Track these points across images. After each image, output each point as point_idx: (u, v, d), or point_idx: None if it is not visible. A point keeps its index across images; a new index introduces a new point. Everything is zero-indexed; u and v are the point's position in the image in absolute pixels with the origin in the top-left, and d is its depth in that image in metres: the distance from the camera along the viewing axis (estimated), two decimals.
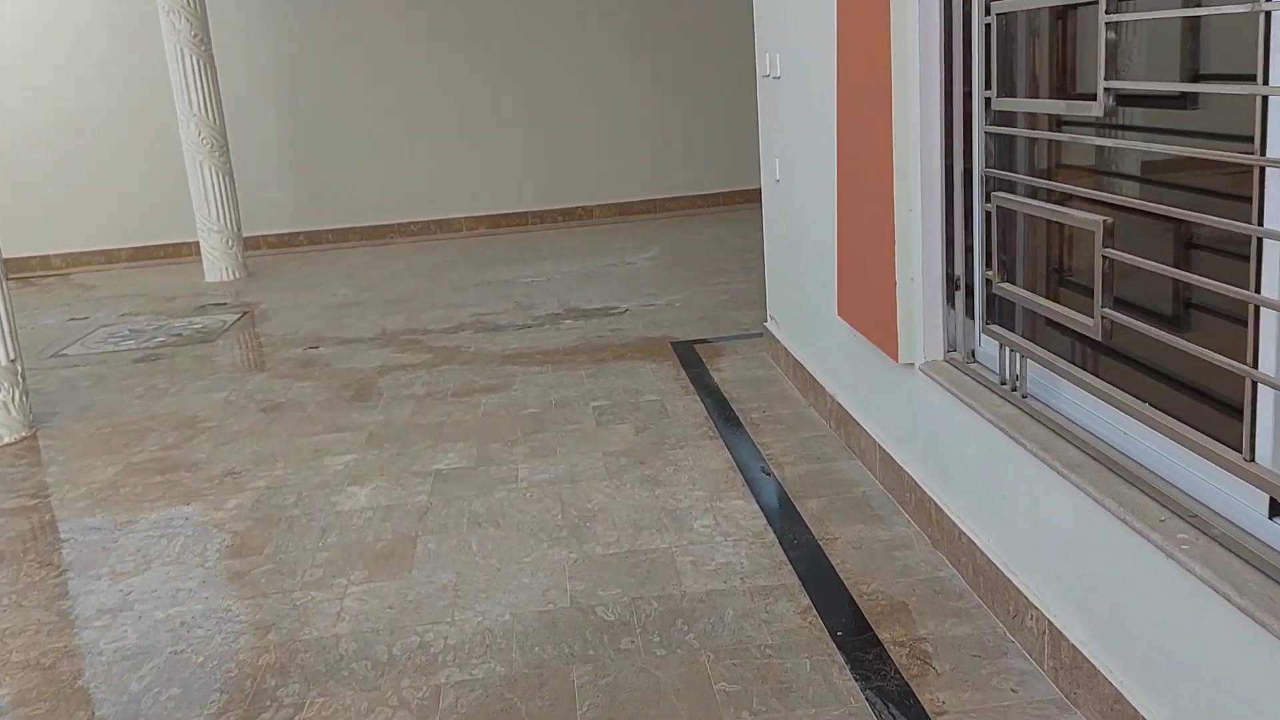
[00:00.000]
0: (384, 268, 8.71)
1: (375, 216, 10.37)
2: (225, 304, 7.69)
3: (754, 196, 11.99)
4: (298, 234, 10.31)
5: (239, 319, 7.12)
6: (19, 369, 4.78)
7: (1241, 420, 1.88)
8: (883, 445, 3.51)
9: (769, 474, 3.71)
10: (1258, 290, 1.85)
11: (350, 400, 5.05)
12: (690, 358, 5.32)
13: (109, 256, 10.16)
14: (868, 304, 3.43)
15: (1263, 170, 1.81)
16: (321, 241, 10.31)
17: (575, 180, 10.50)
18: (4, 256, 10.43)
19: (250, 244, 10.13)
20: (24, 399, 4.81)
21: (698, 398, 4.67)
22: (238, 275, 8.70)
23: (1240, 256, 1.88)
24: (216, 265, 8.66)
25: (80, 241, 10.12)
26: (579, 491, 3.70)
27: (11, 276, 9.74)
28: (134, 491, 4.05)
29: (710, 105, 10.50)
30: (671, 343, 5.63)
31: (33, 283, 9.37)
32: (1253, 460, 1.87)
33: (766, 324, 5.26)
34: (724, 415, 4.41)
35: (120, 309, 7.80)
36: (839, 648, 2.61)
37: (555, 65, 10.32)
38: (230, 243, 8.64)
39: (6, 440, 4.72)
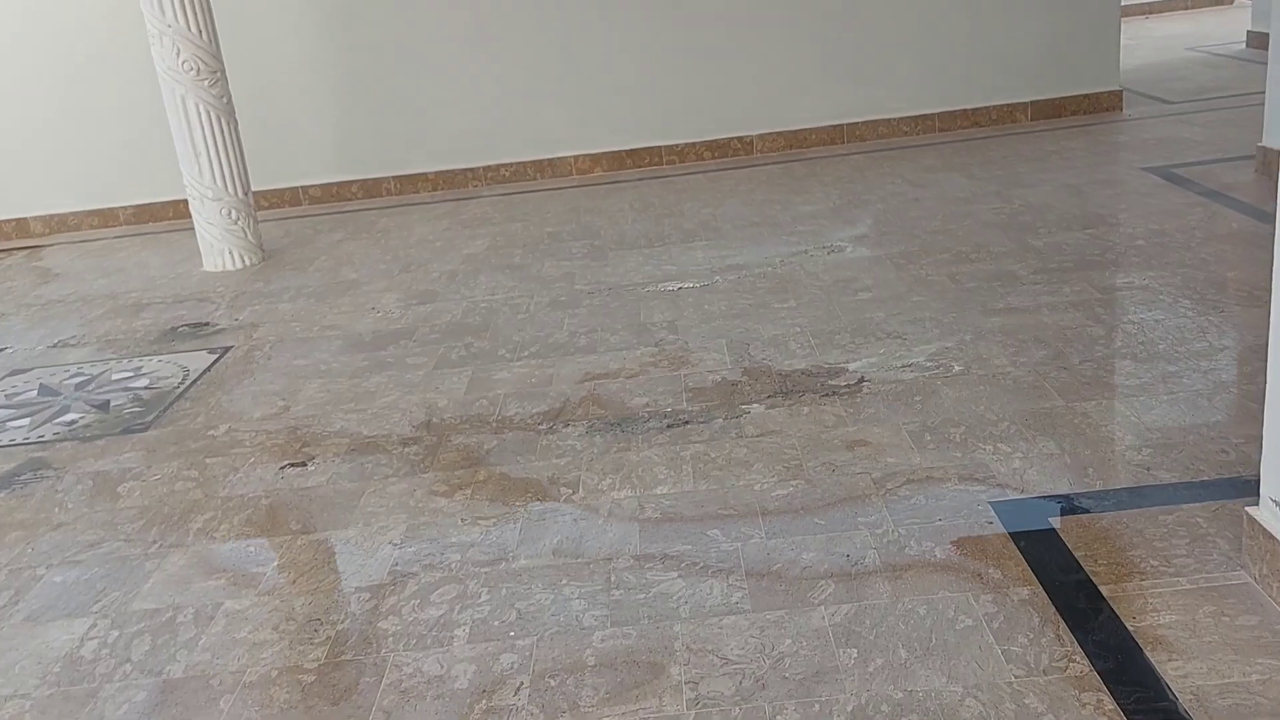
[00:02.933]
0: (455, 249, 5.89)
1: (453, 158, 7.52)
2: (206, 326, 5.00)
3: (985, 119, 8.13)
4: (349, 184, 7.56)
5: (211, 367, 4.41)
6: None
7: None
8: None
9: None
10: None
11: (309, 700, 2.28)
12: (1067, 582, 2.36)
13: (105, 218, 7.61)
14: None
15: None
16: (380, 193, 7.55)
17: (727, 101, 7.41)
18: None
19: (286, 200, 7.47)
20: None
21: None
22: (247, 262, 6.01)
23: None
24: (215, 249, 5.96)
25: (66, 200, 7.57)
26: None
27: None
28: None
29: None
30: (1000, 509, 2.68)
31: None
32: None
33: (1258, 512, 2.26)
34: None
35: (62, 329, 5.19)
36: None
37: None
38: (235, 215, 5.92)
39: None
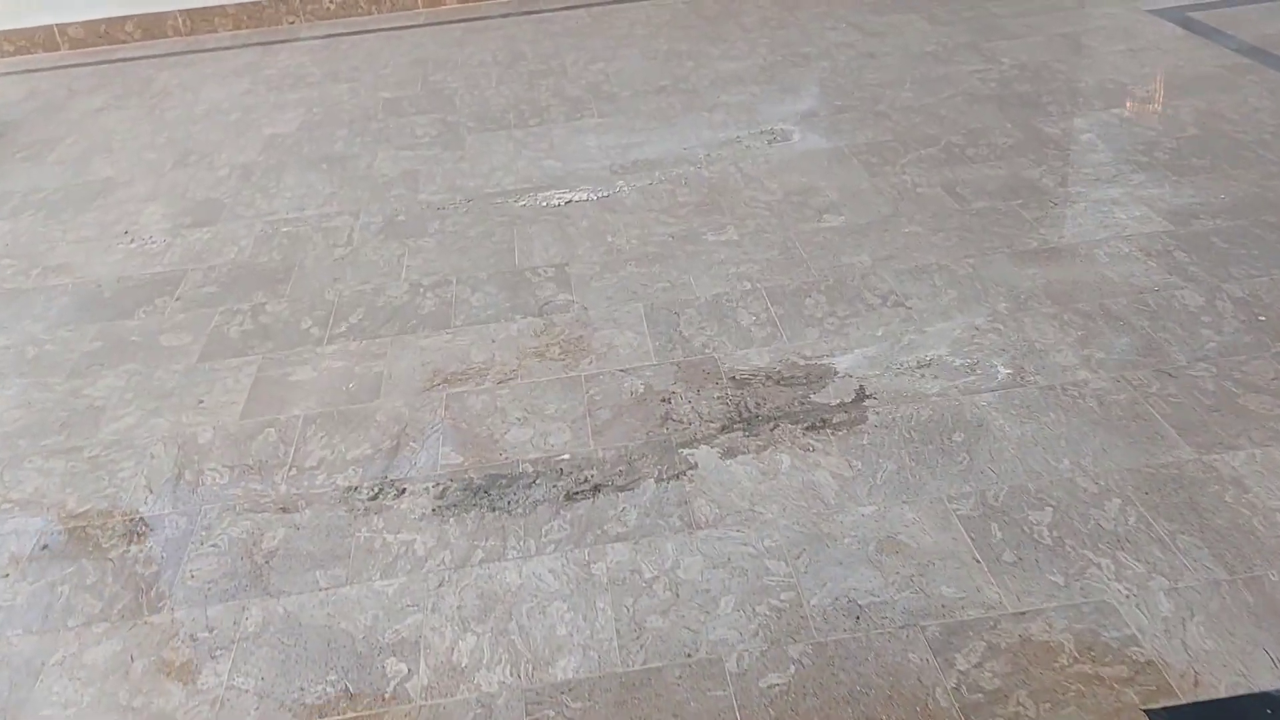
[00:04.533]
0: (255, 126, 4.31)
1: None
2: None
3: None
4: (123, 22, 5.75)
5: None
6: None
7: None
8: None
9: None
10: None
11: None
12: None
13: None
14: None
15: None
16: (165, 33, 5.77)
17: None
18: None
19: (38, 43, 5.67)
20: None
21: None
22: None
23: None
24: None
25: None
26: None
27: None
28: None
29: None
30: None
31: None
32: None
33: None
34: None
35: None
36: None
37: None
38: None
39: None
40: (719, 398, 2.31)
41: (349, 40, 5.40)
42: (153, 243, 3.36)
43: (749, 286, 2.74)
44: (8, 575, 2.01)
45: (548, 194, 3.40)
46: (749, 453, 2.12)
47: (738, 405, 2.27)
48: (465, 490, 2.11)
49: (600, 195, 3.36)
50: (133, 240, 3.39)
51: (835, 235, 2.96)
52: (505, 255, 3.04)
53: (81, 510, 2.17)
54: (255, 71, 5.04)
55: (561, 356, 2.53)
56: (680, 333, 2.57)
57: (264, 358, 2.65)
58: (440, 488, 2.12)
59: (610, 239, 3.07)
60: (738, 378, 2.37)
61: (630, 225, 3.14)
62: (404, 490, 2.13)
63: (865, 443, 2.12)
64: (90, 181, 3.91)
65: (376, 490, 2.14)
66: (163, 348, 2.74)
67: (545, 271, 2.93)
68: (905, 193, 3.16)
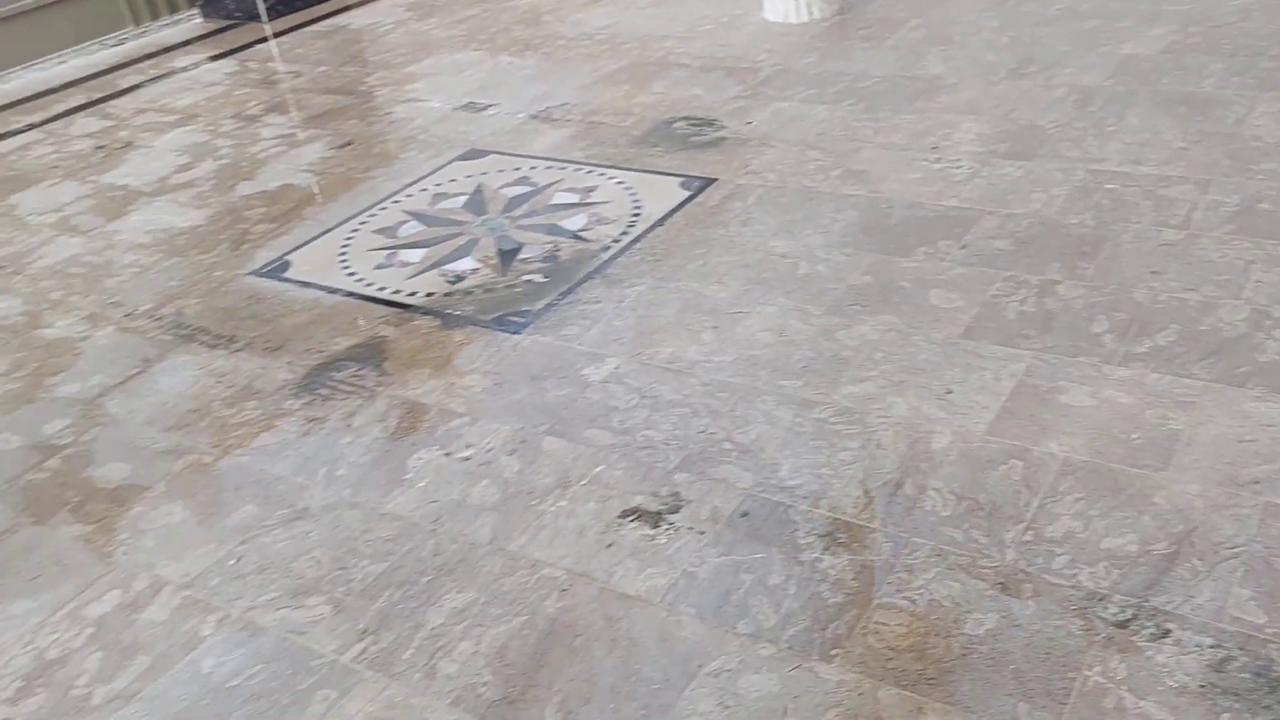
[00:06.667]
0: (1112, 36, 3.66)
1: None
2: (709, 127, 3.52)
3: None
4: None
5: (664, 219, 3.00)
6: None
7: None
8: None
9: None
10: None
11: None
12: None
13: None
14: None
15: None
16: None
17: None
18: None
19: None
20: None
21: None
22: (814, 15, 4.33)
23: None
24: None
25: None
26: None
27: None
28: None
29: None
30: None
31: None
32: None
33: None
34: None
35: (560, 87, 4.03)
36: None
37: None
38: None
39: None
40: None
41: None
42: (958, 167, 3.00)
43: None
44: (704, 533, 1.88)
45: None
46: None
47: None
48: (1255, 675, 1.48)
49: None
50: (938, 159, 3.07)
51: None
52: None
53: (789, 482, 1.96)
54: None
55: None
56: None
57: (1035, 357, 2.18)
58: (1220, 654, 1.52)
59: None
60: None
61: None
62: (1167, 633, 1.56)
63: None
64: (917, 77, 3.66)
65: (1130, 614, 1.60)
66: (929, 306, 2.41)
67: None
68: None
